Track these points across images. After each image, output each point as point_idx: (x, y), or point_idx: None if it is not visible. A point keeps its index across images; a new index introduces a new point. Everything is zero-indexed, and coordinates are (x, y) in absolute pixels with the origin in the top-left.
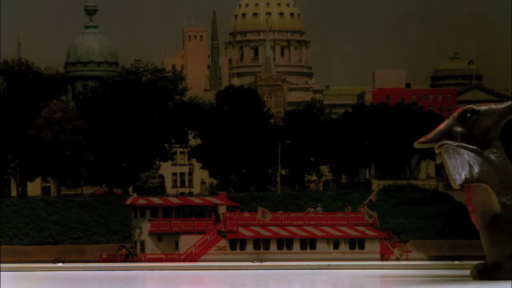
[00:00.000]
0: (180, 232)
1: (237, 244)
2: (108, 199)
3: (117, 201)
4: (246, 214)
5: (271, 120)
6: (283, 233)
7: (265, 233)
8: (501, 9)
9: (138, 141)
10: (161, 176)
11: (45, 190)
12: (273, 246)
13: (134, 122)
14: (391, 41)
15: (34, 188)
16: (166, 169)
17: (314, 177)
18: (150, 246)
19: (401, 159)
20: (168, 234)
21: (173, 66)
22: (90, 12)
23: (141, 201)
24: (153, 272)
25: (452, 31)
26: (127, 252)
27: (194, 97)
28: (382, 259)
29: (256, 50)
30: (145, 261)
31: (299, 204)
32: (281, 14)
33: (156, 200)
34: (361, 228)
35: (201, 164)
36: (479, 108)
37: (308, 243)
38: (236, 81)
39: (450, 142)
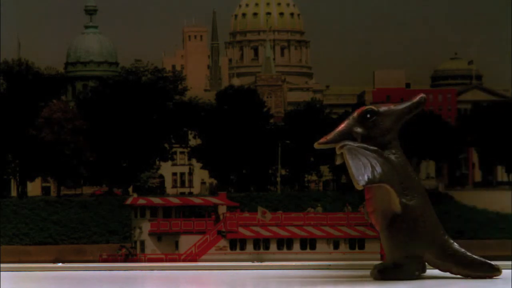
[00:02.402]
0: (180, 232)
1: (237, 244)
2: (108, 199)
3: (117, 201)
4: (246, 214)
5: (271, 120)
6: (283, 233)
7: (265, 233)
8: (501, 9)
9: (138, 141)
10: (161, 176)
11: (45, 190)
12: (273, 246)
13: (134, 122)
14: (391, 41)
15: (34, 188)
16: (166, 169)
17: (314, 177)
18: (150, 246)
19: None
20: (168, 234)
21: (173, 66)
22: (90, 12)
23: (141, 201)
24: (153, 272)
25: (452, 31)
26: (127, 252)
27: (194, 97)
28: (382, 259)
29: (256, 50)
30: (145, 261)
31: (299, 204)
32: (281, 14)
33: (156, 200)
34: (361, 228)
35: (201, 164)
36: (378, 108)
37: (308, 243)
38: (236, 81)
39: (351, 143)
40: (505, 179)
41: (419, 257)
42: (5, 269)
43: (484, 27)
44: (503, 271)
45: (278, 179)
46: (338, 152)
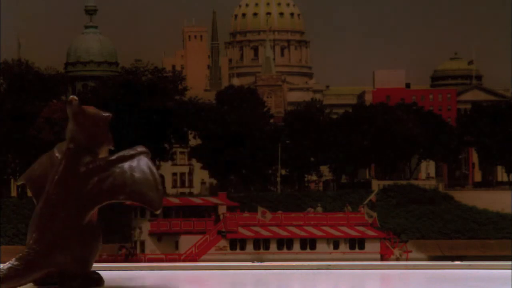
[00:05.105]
0: (180, 232)
1: (237, 244)
2: None
3: None
4: (246, 214)
5: (271, 120)
6: (283, 233)
7: (265, 233)
8: (501, 9)
9: (138, 141)
10: (161, 176)
11: None
12: (273, 246)
13: (134, 122)
14: (391, 41)
15: None
16: (166, 169)
17: (314, 177)
18: (150, 246)
19: (401, 159)
20: (168, 234)
21: (173, 66)
22: (90, 12)
23: None
24: (153, 272)
25: (452, 31)
26: (127, 252)
27: (194, 97)
28: (382, 259)
29: (256, 50)
30: (145, 261)
31: (299, 204)
32: (281, 14)
33: None
34: (361, 228)
35: (201, 164)
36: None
37: (308, 243)
38: (236, 81)
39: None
40: (505, 179)
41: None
42: None
43: (484, 27)
44: (503, 271)
45: (278, 179)
46: None
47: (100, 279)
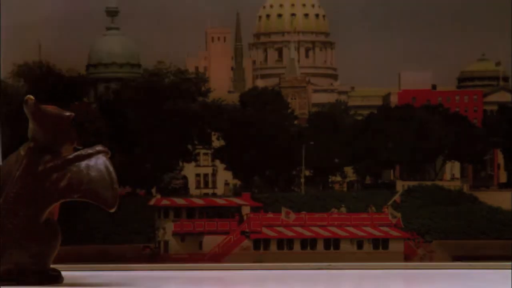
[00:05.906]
0: (203, 232)
1: (260, 244)
2: (131, 200)
3: (140, 202)
4: (270, 215)
5: (296, 122)
6: (306, 233)
7: (288, 233)
8: None
9: (161, 142)
10: (185, 177)
11: None
12: (297, 246)
13: (157, 124)
14: (417, 42)
15: None
16: (189, 170)
17: (338, 178)
18: (174, 246)
19: (426, 160)
20: (192, 234)
21: (196, 68)
22: (112, 13)
23: (165, 202)
24: (176, 272)
25: (480, 32)
26: (151, 252)
27: (218, 98)
28: (406, 259)
29: (280, 51)
30: (169, 261)
31: (323, 205)
32: (306, 15)
33: (180, 201)
34: (384, 229)
35: (224, 165)
36: None
37: (332, 243)
38: (260, 83)
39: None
40: None
41: None
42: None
43: (510, 26)
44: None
45: (302, 180)
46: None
47: (59, 277)
